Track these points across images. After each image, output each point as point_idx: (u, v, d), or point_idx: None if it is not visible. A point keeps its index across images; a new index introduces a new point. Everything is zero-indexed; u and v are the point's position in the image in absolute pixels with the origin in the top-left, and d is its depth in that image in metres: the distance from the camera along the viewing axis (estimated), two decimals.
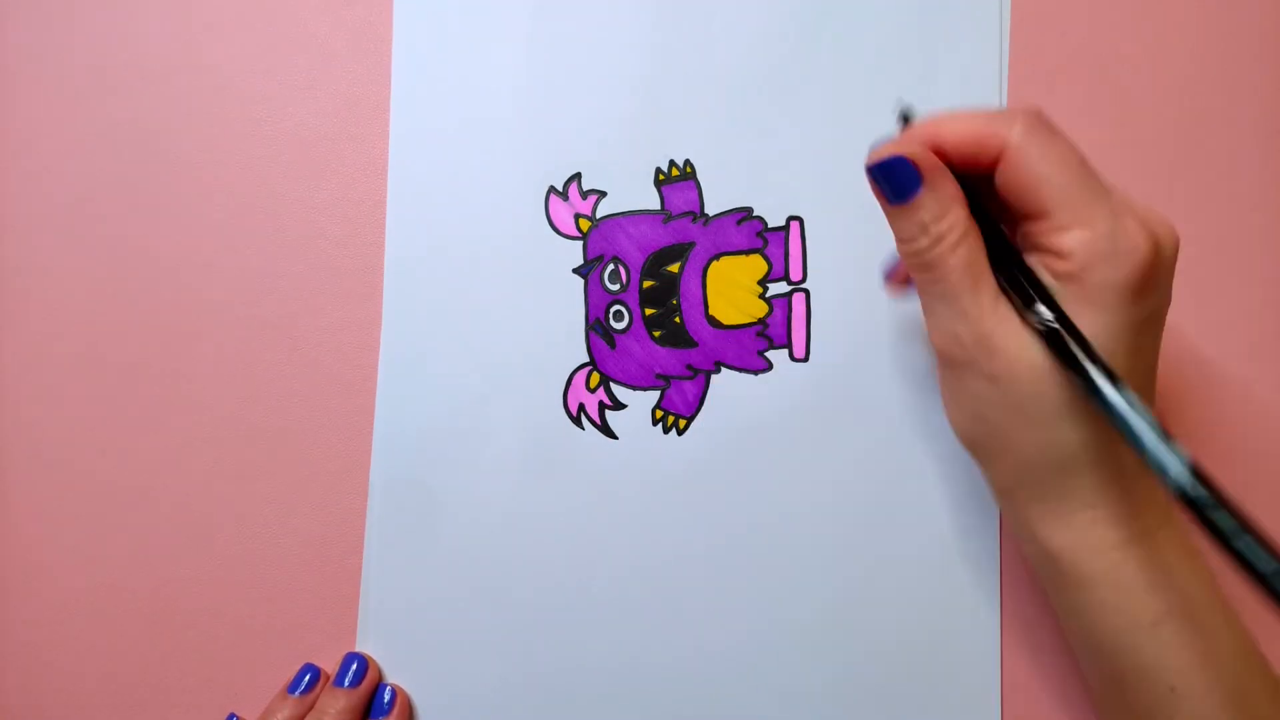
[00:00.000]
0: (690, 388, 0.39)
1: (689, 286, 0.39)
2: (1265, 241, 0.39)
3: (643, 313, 0.39)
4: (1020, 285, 0.27)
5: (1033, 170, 0.26)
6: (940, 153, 0.28)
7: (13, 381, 0.39)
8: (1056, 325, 0.26)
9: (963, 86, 0.39)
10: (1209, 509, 0.21)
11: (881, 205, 0.29)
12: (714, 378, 0.39)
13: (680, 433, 0.39)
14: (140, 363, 0.39)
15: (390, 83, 0.39)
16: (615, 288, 0.39)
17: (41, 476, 0.39)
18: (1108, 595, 0.28)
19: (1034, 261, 0.27)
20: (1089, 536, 0.28)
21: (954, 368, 0.29)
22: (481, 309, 0.39)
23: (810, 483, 0.38)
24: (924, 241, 0.27)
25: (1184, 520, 0.30)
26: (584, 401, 0.39)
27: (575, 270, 0.39)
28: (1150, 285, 0.26)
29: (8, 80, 0.40)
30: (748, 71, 0.39)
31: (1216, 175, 0.39)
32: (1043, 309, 0.26)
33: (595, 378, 0.39)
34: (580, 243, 0.39)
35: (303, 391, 0.39)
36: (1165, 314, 0.28)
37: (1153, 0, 0.40)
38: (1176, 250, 0.27)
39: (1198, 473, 0.22)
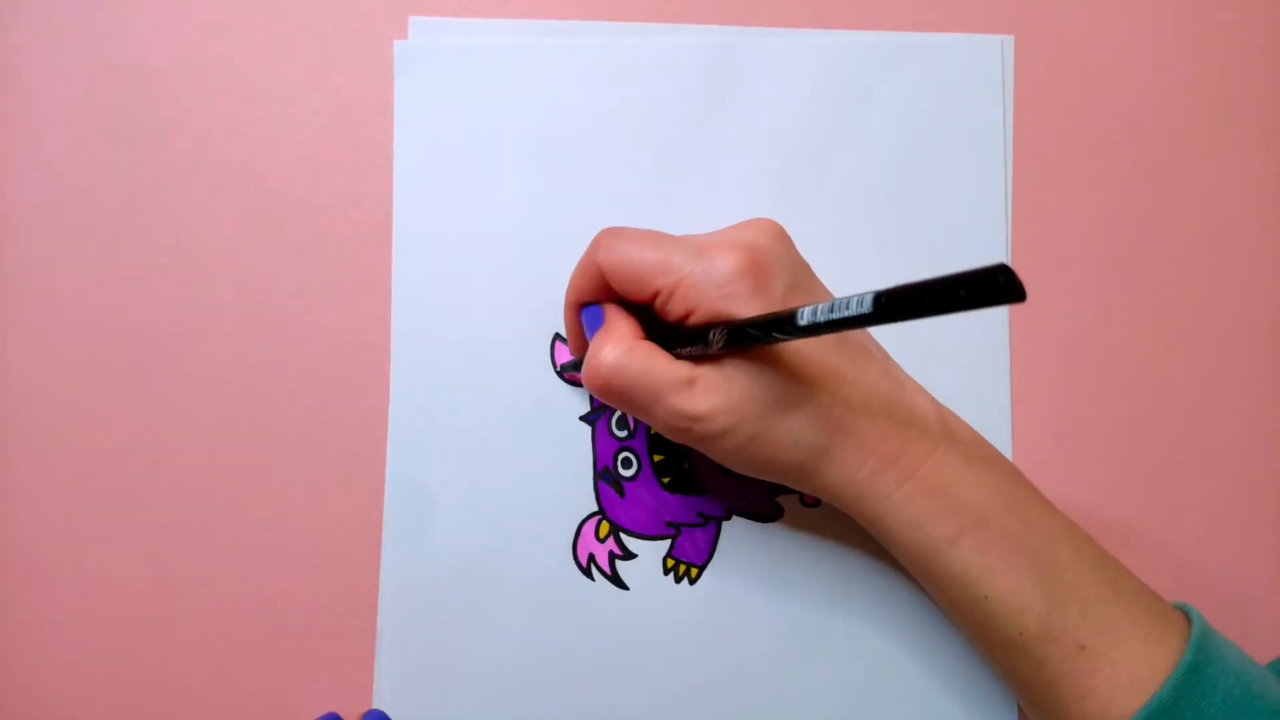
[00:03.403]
0: (701, 535, 0.38)
1: None
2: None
3: (651, 459, 0.38)
4: (695, 343, 0.30)
5: (619, 262, 0.31)
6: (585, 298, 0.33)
7: (15, 380, 0.39)
8: (724, 329, 0.29)
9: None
10: (899, 309, 0.22)
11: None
12: (725, 524, 0.38)
13: (692, 582, 0.38)
14: (142, 362, 0.39)
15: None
16: (623, 434, 0.38)
17: (45, 477, 0.39)
18: (906, 532, 0.31)
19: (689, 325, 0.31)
20: (873, 489, 0.31)
21: (699, 445, 0.31)
22: (488, 458, 0.38)
23: (826, 632, 0.38)
24: (599, 379, 0.31)
25: (964, 433, 0.32)
26: (594, 552, 0.38)
27: (582, 418, 0.39)
28: (764, 279, 0.30)
29: (11, 80, 0.39)
30: (756, 213, 0.39)
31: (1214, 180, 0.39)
32: (711, 334, 0.29)
33: (605, 527, 0.38)
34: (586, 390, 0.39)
35: (305, 391, 0.39)
36: (808, 278, 0.33)
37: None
38: (779, 238, 0.32)
39: (880, 294, 0.23)
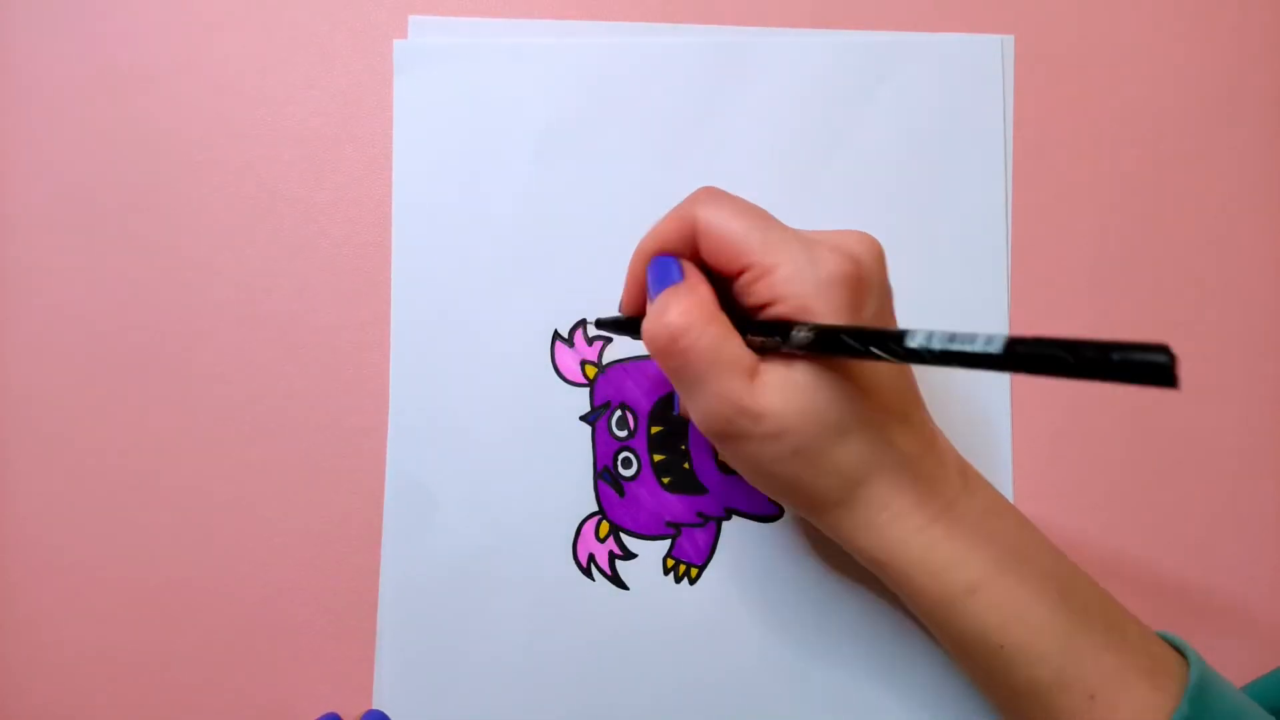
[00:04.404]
0: (701, 535, 0.38)
1: (697, 432, 0.38)
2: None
3: (651, 459, 0.38)
4: (771, 333, 0.28)
5: (721, 228, 0.29)
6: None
7: (16, 380, 0.39)
8: (814, 328, 0.27)
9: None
10: (1034, 360, 0.21)
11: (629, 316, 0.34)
12: (725, 525, 0.38)
13: (692, 582, 0.38)
14: (141, 362, 0.39)
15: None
16: (623, 434, 0.38)
17: (45, 477, 0.38)
18: (921, 579, 0.30)
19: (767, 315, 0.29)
20: (893, 533, 0.30)
21: (729, 441, 0.30)
22: (488, 458, 0.38)
23: (825, 632, 0.38)
24: (665, 334, 0.29)
25: (982, 485, 0.32)
26: (594, 552, 0.38)
27: (582, 418, 0.39)
28: (861, 296, 0.29)
29: (11, 80, 0.40)
30: None
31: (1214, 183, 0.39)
32: (797, 330, 0.27)
33: (605, 527, 0.38)
34: (587, 389, 0.39)
35: (305, 391, 0.39)
36: (890, 307, 0.31)
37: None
38: (878, 258, 0.30)
39: (1011, 340, 0.21)
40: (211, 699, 0.38)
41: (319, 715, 0.37)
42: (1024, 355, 0.21)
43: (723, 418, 0.29)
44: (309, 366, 0.39)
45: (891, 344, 0.24)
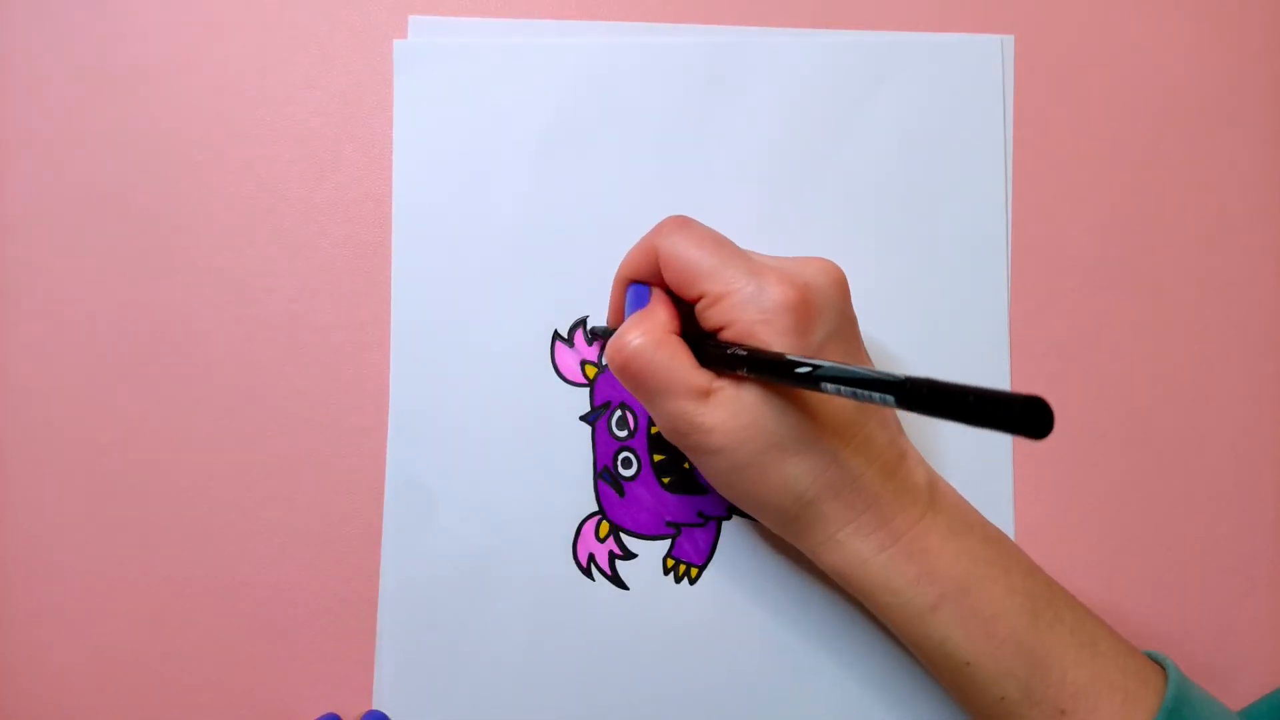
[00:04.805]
0: (701, 535, 0.38)
1: None
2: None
3: (651, 459, 0.38)
4: (722, 356, 0.30)
5: (677, 255, 0.31)
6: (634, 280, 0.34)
7: (16, 380, 0.39)
8: (748, 351, 0.29)
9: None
10: (934, 402, 0.22)
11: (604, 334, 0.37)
12: (725, 525, 0.38)
13: (692, 582, 0.38)
14: (141, 362, 0.39)
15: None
16: (623, 434, 0.38)
17: (45, 477, 0.38)
18: (884, 597, 0.31)
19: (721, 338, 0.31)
20: (852, 551, 0.31)
21: (691, 453, 0.32)
22: (488, 458, 0.38)
23: (825, 632, 0.38)
24: (619, 358, 0.32)
25: (950, 502, 0.32)
26: (594, 551, 0.38)
27: (583, 418, 0.39)
28: (807, 321, 0.30)
29: (10, 80, 0.39)
30: (755, 212, 0.39)
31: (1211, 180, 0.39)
32: (737, 349, 0.29)
33: (605, 527, 0.38)
34: (587, 389, 0.39)
35: (305, 391, 0.39)
36: (851, 331, 0.32)
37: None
38: (836, 284, 0.32)
39: (912, 380, 0.23)
40: (211, 699, 0.38)
41: (319, 715, 0.37)
42: (914, 398, 0.22)
43: (677, 431, 0.31)
44: (309, 366, 0.39)
45: (799, 373, 0.27)
